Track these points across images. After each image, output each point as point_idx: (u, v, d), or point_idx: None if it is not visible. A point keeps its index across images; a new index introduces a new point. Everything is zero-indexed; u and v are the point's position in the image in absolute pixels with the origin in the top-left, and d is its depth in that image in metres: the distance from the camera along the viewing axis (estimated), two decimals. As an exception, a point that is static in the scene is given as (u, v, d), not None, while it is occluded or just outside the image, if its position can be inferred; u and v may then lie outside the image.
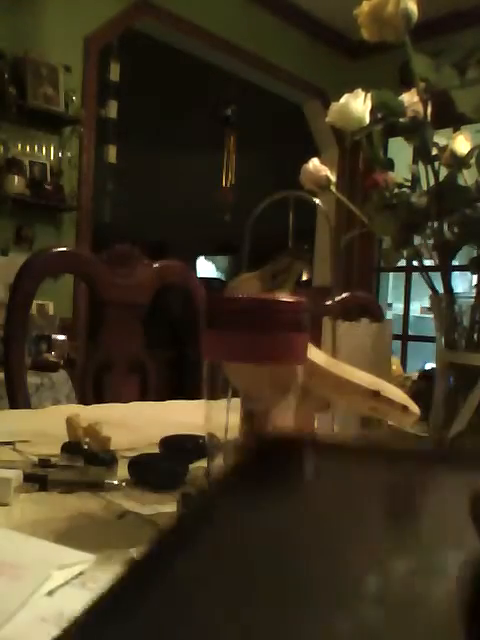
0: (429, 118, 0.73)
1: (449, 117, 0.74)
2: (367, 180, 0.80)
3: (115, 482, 0.59)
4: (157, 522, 0.51)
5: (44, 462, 0.63)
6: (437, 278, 0.78)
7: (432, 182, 0.75)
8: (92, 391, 1.30)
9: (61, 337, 2.99)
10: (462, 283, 1.58)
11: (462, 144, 0.78)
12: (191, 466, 0.63)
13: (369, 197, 0.80)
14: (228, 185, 5.09)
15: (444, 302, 0.77)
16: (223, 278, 7.46)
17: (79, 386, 1.32)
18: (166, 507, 0.54)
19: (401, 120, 0.74)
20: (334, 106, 0.78)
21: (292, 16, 4.24)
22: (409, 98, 0.75)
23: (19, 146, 3.23)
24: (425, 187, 0.76)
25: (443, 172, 0.76)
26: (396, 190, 0.79)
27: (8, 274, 1.45)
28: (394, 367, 1.02)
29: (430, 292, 0.79)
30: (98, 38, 3.50)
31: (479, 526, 0.20)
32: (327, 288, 1.85)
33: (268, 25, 4.18)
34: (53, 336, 2.96)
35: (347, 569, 0.19)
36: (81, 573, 0.38)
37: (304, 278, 0.58)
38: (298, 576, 0.18)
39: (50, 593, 0.35)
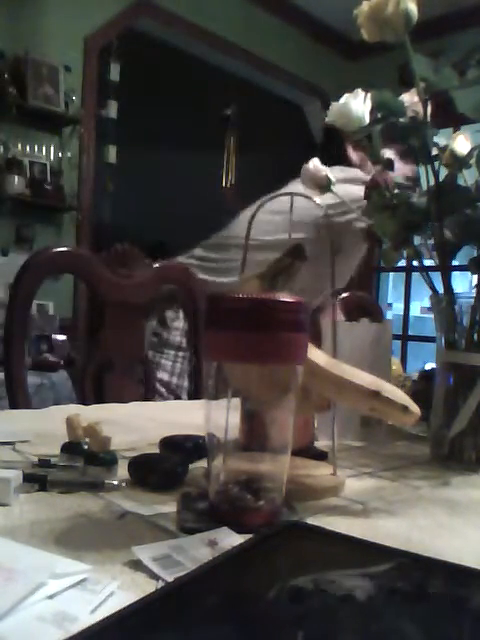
0: (429, 118, 0.73)
1: (449, 117, 0.74)
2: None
3: (115, 482, 0.59)
4: (157, 522, 0.51)
5: (44, 462, 0.63)
6: (437, 278, 0.78)
7: (432, 182, 0.75)
8: (92, 391, 1.30)
9: (61, 337, 2.99)
10: (462, 283, 1.58)
11: (462, 144, 0.77)
12: (191, 466, 0.63)
13: (369, 197, 0.80)
14: (228, 185, 5.09)
15: (444, 302, 0.77)
16: (223, 278, 7.44)
17: (79, 386, 1.32)
18: (166, 507, 0.54)
19: (401, 120, 0.74)
20: (334, 106, 0.78)
21: (292, 16, 4.24)
22: (409, 98, 0.75)
23: (19, 146, 3.23)
24: (425, 187, 0.76)
25: (443, 172, 0.76)
26: (396, 190, 0.79)
27: (8, 274, 1.45)
28: (394, 367, 1.02)
29: (430, 292, 0.79)
30: (98, 38, 3.50)
31: None
32: (327, 288, 1.85)
33: (268, 25, 4.18)
34: (53, 336, 2.96)
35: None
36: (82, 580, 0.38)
37: (304, 278, 0.58)
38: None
39: (51, 597, 0.35)
